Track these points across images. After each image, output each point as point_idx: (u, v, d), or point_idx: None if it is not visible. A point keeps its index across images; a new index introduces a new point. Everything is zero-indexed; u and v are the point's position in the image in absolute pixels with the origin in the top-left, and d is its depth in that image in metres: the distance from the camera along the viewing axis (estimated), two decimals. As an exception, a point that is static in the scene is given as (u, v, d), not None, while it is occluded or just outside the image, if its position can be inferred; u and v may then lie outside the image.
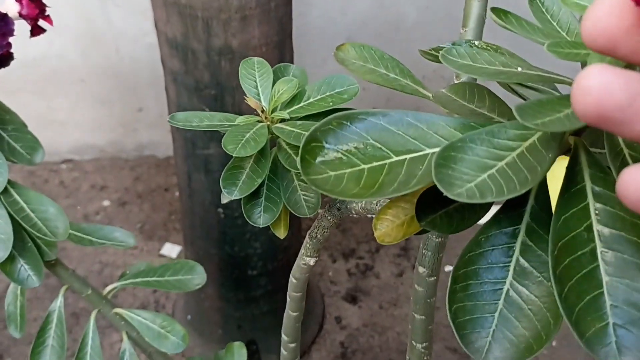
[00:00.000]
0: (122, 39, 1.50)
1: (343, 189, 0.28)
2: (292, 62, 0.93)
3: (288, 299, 0.52)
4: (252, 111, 0.44)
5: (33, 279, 0.56)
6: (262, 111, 0.43)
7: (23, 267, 0.56)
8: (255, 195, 0.41)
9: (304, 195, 0.40)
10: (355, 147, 0.29)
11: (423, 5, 1.50)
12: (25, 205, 0.55)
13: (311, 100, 0.43)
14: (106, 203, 1.52)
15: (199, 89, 0.86)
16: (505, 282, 0.29)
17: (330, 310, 1.29)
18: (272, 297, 1.12)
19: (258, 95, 0.44)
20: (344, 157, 0.29)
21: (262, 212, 0.41)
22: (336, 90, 0.43)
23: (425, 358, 0.53)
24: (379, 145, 0.29)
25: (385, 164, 0.29)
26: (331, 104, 0.42)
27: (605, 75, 0.18)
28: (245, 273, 1.07)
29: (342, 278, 1.36)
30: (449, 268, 1.27)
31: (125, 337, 0.64)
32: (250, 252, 1.04)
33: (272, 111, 0.43)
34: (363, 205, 0.42)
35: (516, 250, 0.29)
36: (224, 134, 0.41)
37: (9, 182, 0.55)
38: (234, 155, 0.38)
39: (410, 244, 1.43)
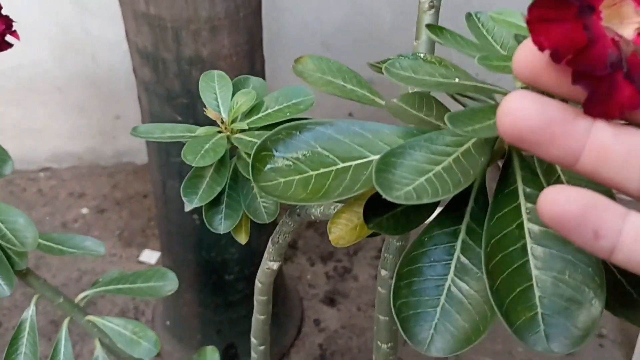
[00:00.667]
0: (99, 47, 1.51)
1: (292, 194, 0.29)
2: (263, 70, 0.95)
3: (255, 302, 0.54)
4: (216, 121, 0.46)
5: (4, 289, 0.56)
6: (222, 122, 0.45)
7: (-6, 277, 0.57)
8: (216, 203, 0.42)
9: (263, 202, 0.41)
10: (303, 155, 0.31)
11: (398, 10, 1.52)
12: (-6, 217, 0.56)
13: (269, 111, 0.44)
14: (84, 211, 1.52)
15: (171, 97, 0.87)
16: (447, 278, 0.30)
17: (309, 313, 1.30)
18: (250, 300, 1.12)
19: (218, 107, 0.45)
20: (293, 165, 0.30)
21: (223, 219, 0.42)
22: (293, 101, 0.44)
23: (391, 357, 0.54)
24: (327, 153, 0.31)
25: (332, 170, 0.31)
26: (288, 114, 0.43)
27: (524, 100, 0.21)
28: (222, 278, 1.08)
29: (320, 281, 1.37)
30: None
31: (98, 344, 0.64)
32: (227, 257, 1.05)
33: (232, 122, 0.44)
34: (322, 210, 0.43)
35: (457, 248, 0.31)
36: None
37: (-21, 193, 0.56)
38: (193, 165, 0.40)
39: (387, 245, 1.44)
